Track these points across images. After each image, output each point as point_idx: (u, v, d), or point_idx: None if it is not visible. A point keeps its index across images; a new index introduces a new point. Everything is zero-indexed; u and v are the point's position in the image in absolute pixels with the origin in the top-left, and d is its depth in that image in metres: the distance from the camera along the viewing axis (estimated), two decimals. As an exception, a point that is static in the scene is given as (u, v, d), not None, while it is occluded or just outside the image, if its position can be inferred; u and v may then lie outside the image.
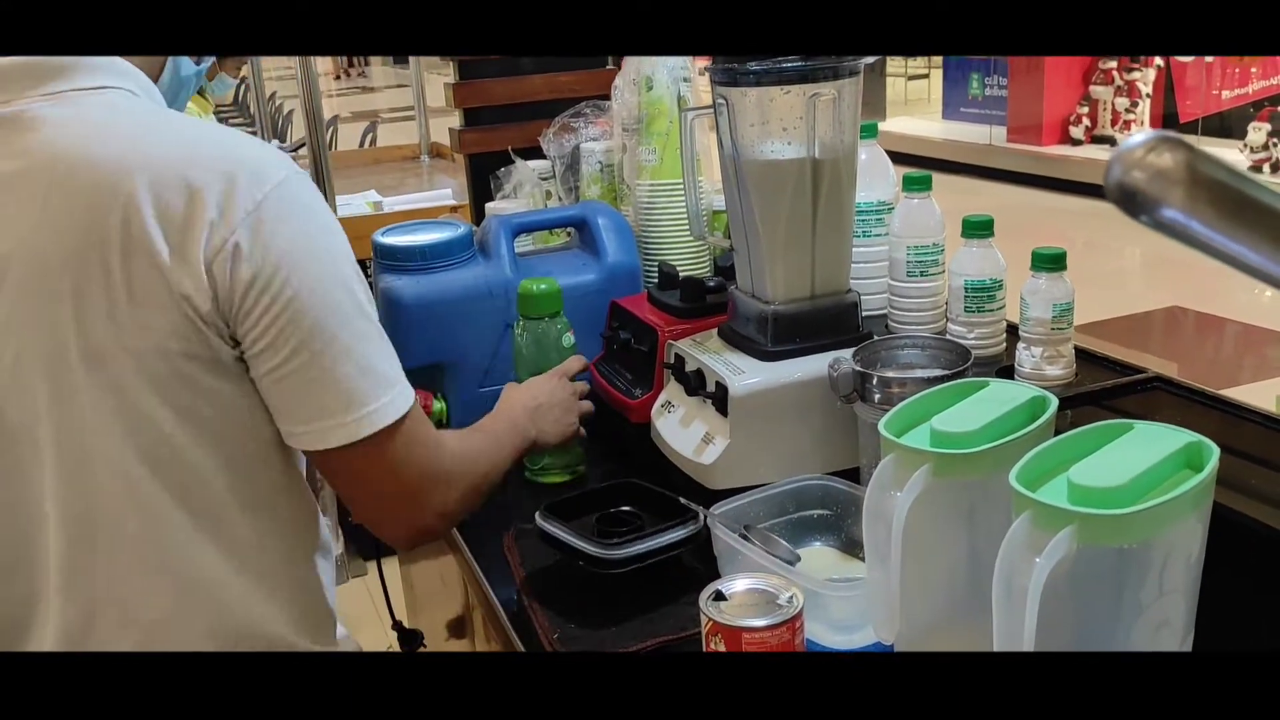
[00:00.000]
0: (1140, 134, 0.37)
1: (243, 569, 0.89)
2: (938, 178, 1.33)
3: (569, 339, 1.23)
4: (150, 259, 0.79)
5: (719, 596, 0.79)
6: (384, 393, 0.86)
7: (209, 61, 1.06)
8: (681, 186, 1.41)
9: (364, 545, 2.41)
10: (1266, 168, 6.09)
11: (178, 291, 0.79)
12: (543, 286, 1.21)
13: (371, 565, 1.76)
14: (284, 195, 0.83)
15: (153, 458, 0.83)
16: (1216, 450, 0.71)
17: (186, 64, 0.97)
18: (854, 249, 1.21)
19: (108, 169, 0.79)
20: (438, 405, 1.34)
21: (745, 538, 0.97)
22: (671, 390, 1.21)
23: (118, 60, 0.86)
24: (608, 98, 1.59)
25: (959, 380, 0.90)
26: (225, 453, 0.86)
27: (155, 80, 0.92)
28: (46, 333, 0.80)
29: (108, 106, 0.84)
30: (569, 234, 1.54)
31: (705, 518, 1.00)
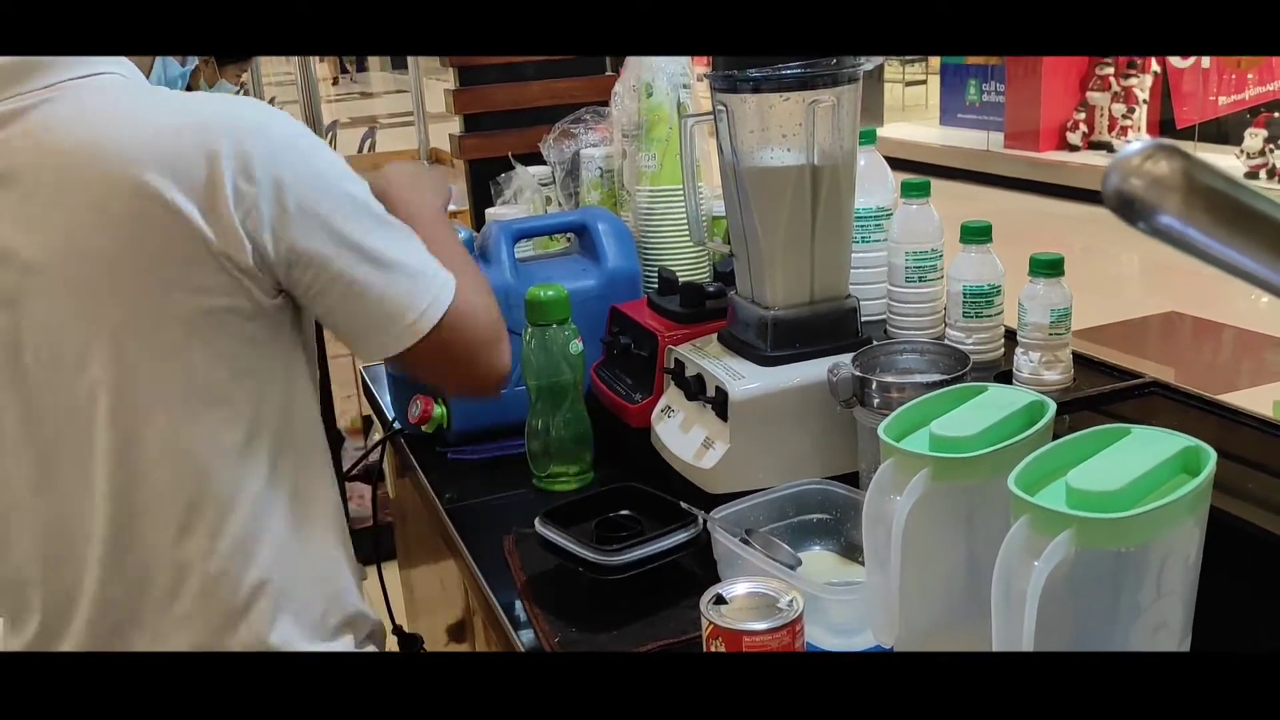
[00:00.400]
0: (1137, 142, 0.38)
1: (286, 518, 0.93)
2: (935, 183, 1.34)
3: (576, 345, 1.23)
4: (185, 226, 0.83)
5: (719, 600, 0.80)
6: (427, 291, 0.92)
7: (193, 63, 1.08)
8: (681, 192, 1.41)
9: (363, 550, 2.40)
10: (1263, 174, 6.10)
11: (218, 251, 0.84)
12: (550, 293, 1.22)
13: (371, 570, 1.76)
14: (289, 143, 0.88)
15: (212, 413, 0.88)
16: (1213, 454, 0.71)
17: (173, 65, 1.00)
18: (853, 254, 1.21)
19: (122, 151, 0.83)
20: (438, 410, 1.34)
21: (746, 542, 0.97)
22: (671, 395, 1.22)
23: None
24: (608, 104, 1.60)
25: (958, 385, 0.91)
26: (270, 402, 0.91)
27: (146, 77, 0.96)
28: (103, 318, 0.84)
29: (100, 90, 0.87)
30: (569, 239, 1.55)
31: (705, 522, 1.00)
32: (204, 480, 0.88)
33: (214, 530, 0.89)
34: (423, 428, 1.35)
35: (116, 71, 0.89)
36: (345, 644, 0.98)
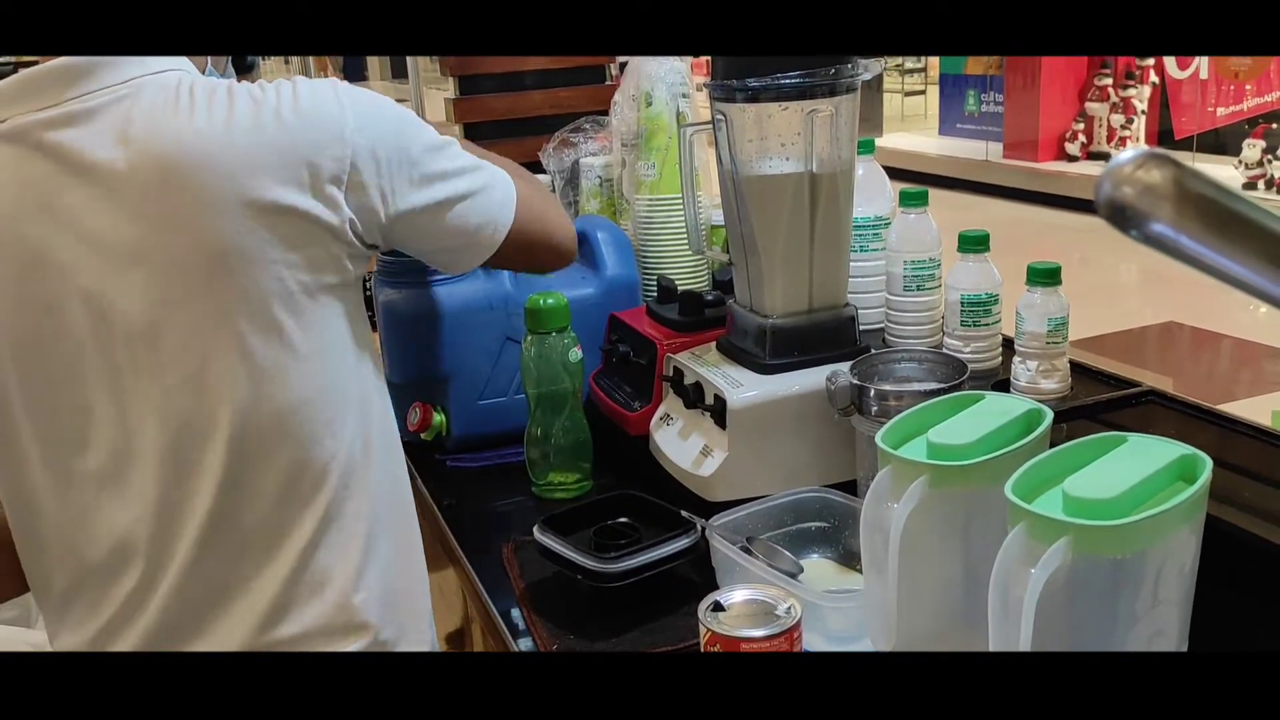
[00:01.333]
0: (1129, 150, 0.38)
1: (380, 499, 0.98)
2: (935, 193, 1.34)
3: (575, 354, 1.23)
4: (293, 217, 0.87)
5: (717, 607, 0.80)
6: (497, 200, 1.02)
7: (233, 76, 1.09)
8: (680, 201, 1.42)
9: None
10: (1261, 184, 6.11)
11: (324, 229, 0.89)
12: (550, 301, 1.22)
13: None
14: (363, 129, 0.91)
15: (312, 386, 0.91)
16: (1209, 462, 0.71)
17: (214, 74, 1.02)
18: (851, 263, 1.22)
19: (225, 162, 0.85)
20: (437, 418, 1.35)
21: (748, 549, 0.97)
22: (670, 403, 1.22)
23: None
24: (607, 113, 1.60)
25: (955, 393, 0.91)
26: (360, 381, 0.96)
27: None
28: (208, 301, 0.86)
29: (176, 89, 0.88)
30: None
31: (704, 529, 1.00)
32: (304, 450, 0.91)
33: (308, 501, 0.91)
34: (422, 435, 1.35)
35: (181, 69, 0.90)
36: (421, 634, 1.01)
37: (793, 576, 0.96)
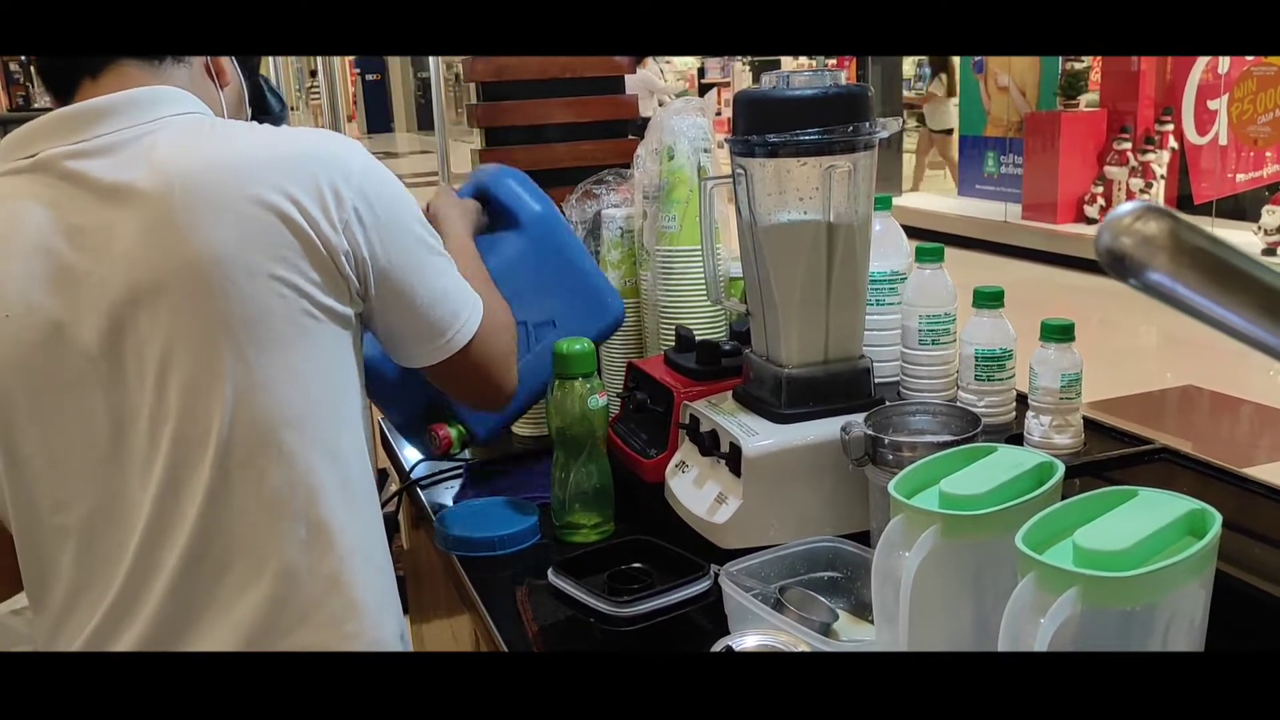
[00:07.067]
0: (1128, 204, 0.40)
1: (358, 520, 1.00)
2: (953, 253, 1.36)
3: (596, 401, 1.25)
4: (297, 227, 0.92)
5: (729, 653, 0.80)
6: (463, 314, 1.06)
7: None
8: (699, 253, 1.44)
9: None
10: (1281, 250, 6.12)
11: (323, 247, 0.93)
12: (577, 348, 1.24)
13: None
14: (375, 168, 1.00)
15: (313, 409, 0.95)
16: (1218, 517, 0.72)
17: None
18: (867, 317, 1.23)
19: (239, 171, 0.91)
20: (454, 431, 1.34)
21: (779, 600, 0.97)
22: (686, 450, 1.23)
23: (190, 95, 0.99)
24: (629, 166, 1.63)
25: (968, 445, 0.92)
26: (350, 413, 1.00)
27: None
28: (216, 317, 0.89)
29: (198, 125, 0.96)
30: None
31: (716, 575, 1.01)
32: (293, 467, 0.93)
33: (295, 518, 0.93)
34: (451, 452, 1.35)
35: (201, 112, 0.99)
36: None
37: (827, 626, 0.96)
